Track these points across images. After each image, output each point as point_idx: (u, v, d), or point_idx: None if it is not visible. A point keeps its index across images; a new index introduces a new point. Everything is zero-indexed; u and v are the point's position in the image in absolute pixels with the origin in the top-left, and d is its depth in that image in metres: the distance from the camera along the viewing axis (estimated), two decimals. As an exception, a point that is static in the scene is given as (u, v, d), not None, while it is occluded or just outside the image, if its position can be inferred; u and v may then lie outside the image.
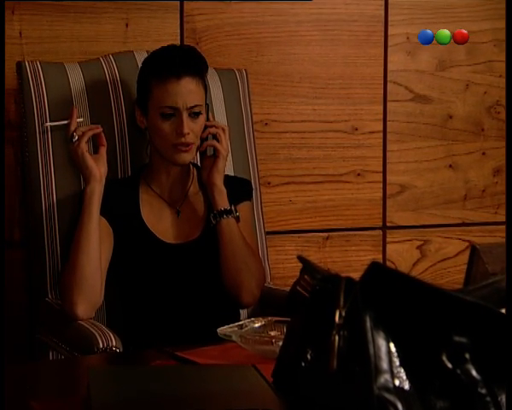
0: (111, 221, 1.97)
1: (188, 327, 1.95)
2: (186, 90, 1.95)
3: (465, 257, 2.68)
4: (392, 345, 0.92)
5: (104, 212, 1.95)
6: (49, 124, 2.03)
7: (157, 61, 1.99)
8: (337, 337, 0.95)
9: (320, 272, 1.03)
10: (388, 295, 0.94)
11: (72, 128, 1.99)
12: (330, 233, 2.58)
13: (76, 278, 1.87)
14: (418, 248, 2.66)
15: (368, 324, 0.92)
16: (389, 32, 2.57)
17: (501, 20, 2.57)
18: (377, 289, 0.94)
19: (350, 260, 2.59)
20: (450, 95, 2.64)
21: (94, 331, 1.80)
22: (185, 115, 1.95)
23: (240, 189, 2.09)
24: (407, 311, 0.93)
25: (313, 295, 1.03)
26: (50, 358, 2.00)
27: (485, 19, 2.63)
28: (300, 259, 1.07)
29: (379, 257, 2.61)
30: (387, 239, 2.62)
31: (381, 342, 0.92)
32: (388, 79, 2.59)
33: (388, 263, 2.62)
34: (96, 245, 1.89)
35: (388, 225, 2.62)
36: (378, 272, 0.95)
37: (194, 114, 1.96)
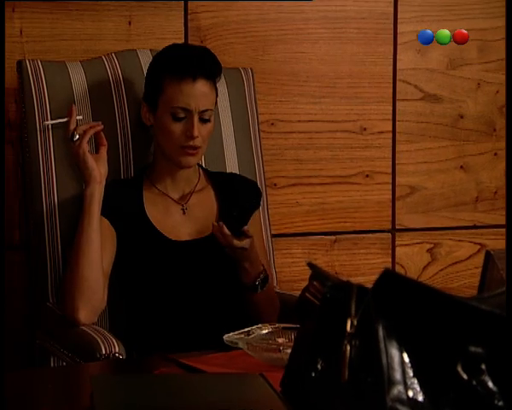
0: (114, 222, 1.96)
1: (194, 331, 1.94)
2: (200, 93, 1.94)
3: (477, 260, 2.69)
4: (405, 355, 0.91)
5: (106, 213, 1.94)
6: (48, 122, 2.03)
7: (173, 59, 1.97)
8: (348, 347, 0.94)
9: (330, 279, 1.03)
10: (401, 303, 0.93)
11: (72, 126, 1.98)
12: (338, 236, 2.57)
13: (77, 282, 1.86)
14: (428, 251, 2.65)
15: (380, 333, 0.92)
16: (399, 30, 2.56)
17: (513, 18, 2.56)
18: (390, 298, 0.93)
19: (358, 263, 2.58)
20: (461, 94, 2.63)
21: (96, 337, 1.79)
22: (196, 118, 1.94)
23: (249, 196, 2.09)
24: (421, 320, 0.92)
25: (324, 303, 1.02)
26: (51, 364, 2.00)
27: (498, 16, 2.61)
28: (310, 265, 1.06)
29: (388, 260, 2.60)
30: (397, 242, 2.61)
31: (394, 352, 0.91)
32: (398, 77, 2.58)
33: (397, 267, 2.61)
34: (97, 248, 1.89)
35: (397, 227, 2.61)
36: (391, 279, 0.94)
37: (203, 120, 1.95)
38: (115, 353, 1.74)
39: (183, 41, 2.35)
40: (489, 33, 2.62)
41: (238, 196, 2.06)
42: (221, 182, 2.08)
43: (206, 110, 1.95)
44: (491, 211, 2.68)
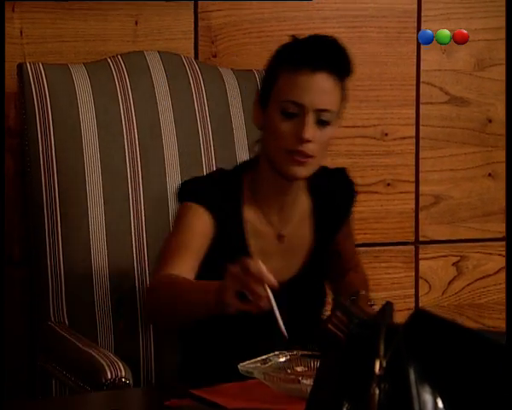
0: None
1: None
2: (318, 88, 1.71)
3: (506, 275, 2.65)
4: (439, 401, 0.90)
5: (209, 206, 1.75)
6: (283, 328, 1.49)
7: (292, 49, 1.77)
8: (377, 390, 0.93)
9: (357, 315, 1.01)
10: (435, 345, 0.92)
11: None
12: (357, 248, 2.54)
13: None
14: (454, 264, 2.63)
15: (412, 376, 0.90)
16: (422, 29, 2.54)
17: (545, 15, 2.55)
18: (422, 338, 0.92)
19: (379, 277, 2.56)
20: (489, 97, 2.61)
21: (101, 361, 1.79)
22: (311, 118, 1.70)
23: (347, 198, 1.92)
24: (456, 363, 0.91)
25: (349, 340, 1.00)
26: (53, 387, 1.99)
27: (529, 14, 2.60)
28: (335, 300, 1.04)
29: (411, 275, 2.59)
30: (420, 255, 2.60)
31: (428, 398, 0.90)
32: (421, 79, 2.56)
33: (421, 281, 2.60)
34: None
35: (421, 239, 2.60)
36: (423, 319, 0.92)
37: (321, 122, 1.72)
38: (121, 377, 1.73)
39: (192, 42, 2.35)
40: (519, 32, 2.61)
41: (335, 204, 1.88)
42: (319, 192, 1.86)
43: (325, 110, 1.72)
44: (521, 222, 2.67)
